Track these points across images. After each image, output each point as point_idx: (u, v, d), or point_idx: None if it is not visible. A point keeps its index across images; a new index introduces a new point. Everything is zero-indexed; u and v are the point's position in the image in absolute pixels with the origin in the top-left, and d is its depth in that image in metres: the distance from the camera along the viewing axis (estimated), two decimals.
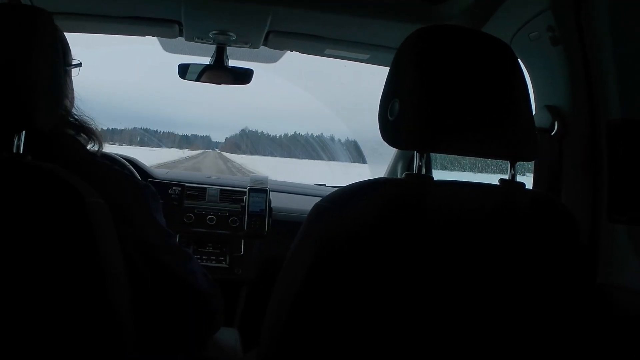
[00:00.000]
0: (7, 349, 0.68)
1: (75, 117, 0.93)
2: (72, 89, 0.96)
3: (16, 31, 0.71)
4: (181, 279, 0.96)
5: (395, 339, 0.73)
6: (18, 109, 0.70)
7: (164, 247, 0.95)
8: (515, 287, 0.78)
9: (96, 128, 0.94)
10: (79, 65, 0.97)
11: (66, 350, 0.70)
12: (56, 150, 0.85)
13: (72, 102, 0.94)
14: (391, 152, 2.21)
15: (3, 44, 0.71)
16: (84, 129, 0.93)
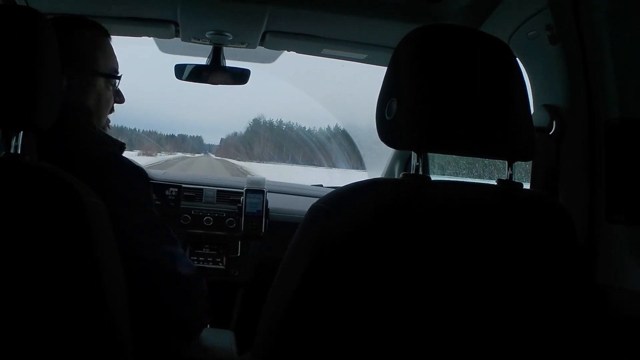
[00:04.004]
0: (2, 350, 0.68)
1: None
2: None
3: (12, 33, 0.71)
4: (155, 261, 0.99)
5: (393, 339, 0.73)
6: (16, 110, 0.70)
7: (147, 227, 0.99)
8: (513, 287, 0.78)
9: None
10: (117, 77, 1.11)
11: (61, 351, 0.69)
12: (74, 140, 0.97)
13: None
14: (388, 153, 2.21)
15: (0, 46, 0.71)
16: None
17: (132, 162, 1.05)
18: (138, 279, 0.93)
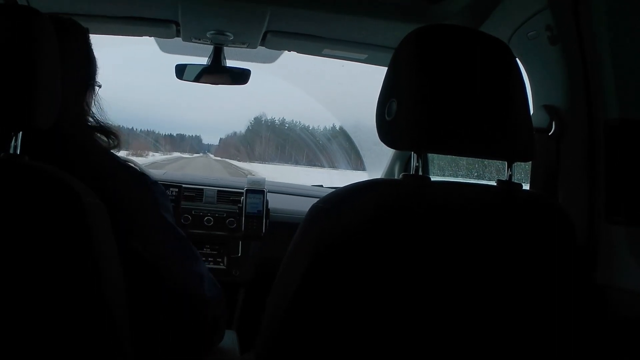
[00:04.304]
0: (2, 350, 0.68)
1: (98, 120, 1.05)
2: (93, 100, 1.06)
3: (13, 32, 0.71)
4: (183, 282, 0.96)
5: (394, 339, 0.73)
6: (15, 110, 0.70)
7: (170, 246, 0.97)
8: (513, 287, 0.78)
9: (115, 129, 1.05)
10: (99, 86, 1.07)
11: (61, 351, 0.70)
12: (72, 147, 0.93)
13: (89, 108, 1.05)
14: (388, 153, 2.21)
15: (0, 45, 0.71)
16: (103, 130, 1.03)
17: (152, 177, 1.03)
18: (159, 296, 0.92)
